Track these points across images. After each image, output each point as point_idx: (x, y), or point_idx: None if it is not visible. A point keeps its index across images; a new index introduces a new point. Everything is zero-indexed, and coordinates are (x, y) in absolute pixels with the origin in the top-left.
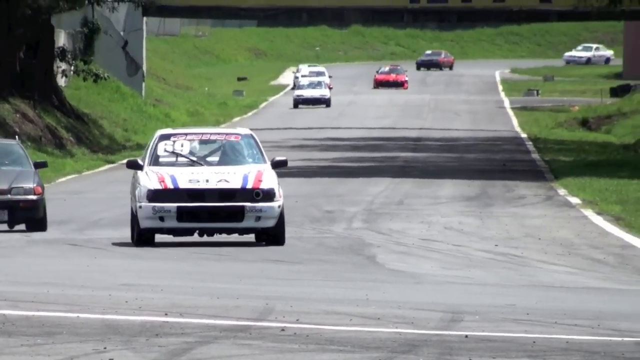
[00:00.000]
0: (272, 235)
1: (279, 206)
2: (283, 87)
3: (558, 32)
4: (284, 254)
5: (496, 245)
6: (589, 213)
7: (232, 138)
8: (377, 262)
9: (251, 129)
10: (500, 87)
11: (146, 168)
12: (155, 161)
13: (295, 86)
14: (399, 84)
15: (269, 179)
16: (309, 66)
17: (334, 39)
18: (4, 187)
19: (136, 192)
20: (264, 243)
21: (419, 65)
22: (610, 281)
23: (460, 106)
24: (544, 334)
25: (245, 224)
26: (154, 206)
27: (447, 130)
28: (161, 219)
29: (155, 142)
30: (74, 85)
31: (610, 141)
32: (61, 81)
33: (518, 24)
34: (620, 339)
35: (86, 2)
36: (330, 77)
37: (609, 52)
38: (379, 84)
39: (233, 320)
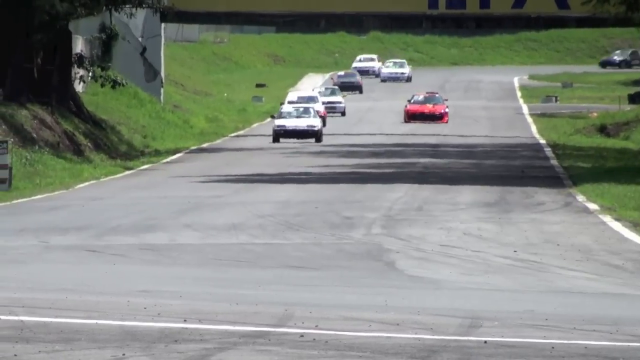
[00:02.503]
0: None
1: None
2: None
3: (576, 38)
4: (303, 260)
5: (515, 251)
6: (608, 219)
7: None
8: (396, 268)
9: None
10: (519, 94)
11: None
12: None
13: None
14: (436, 117)
15: None
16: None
17: (353, 45)
18: None
19: None
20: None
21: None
22: (628, 287)
23: (479, 112)
24: (563, 340)
25: None
26: None
27: (466, 137)
28: None
29: None
30: (92, 91)
31: (628, 147)
32: (79, 87)
33: (536, 30)
34: (638, 344)
35: (104, 8)
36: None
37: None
38: (412, 117)
39: (252, 326)
